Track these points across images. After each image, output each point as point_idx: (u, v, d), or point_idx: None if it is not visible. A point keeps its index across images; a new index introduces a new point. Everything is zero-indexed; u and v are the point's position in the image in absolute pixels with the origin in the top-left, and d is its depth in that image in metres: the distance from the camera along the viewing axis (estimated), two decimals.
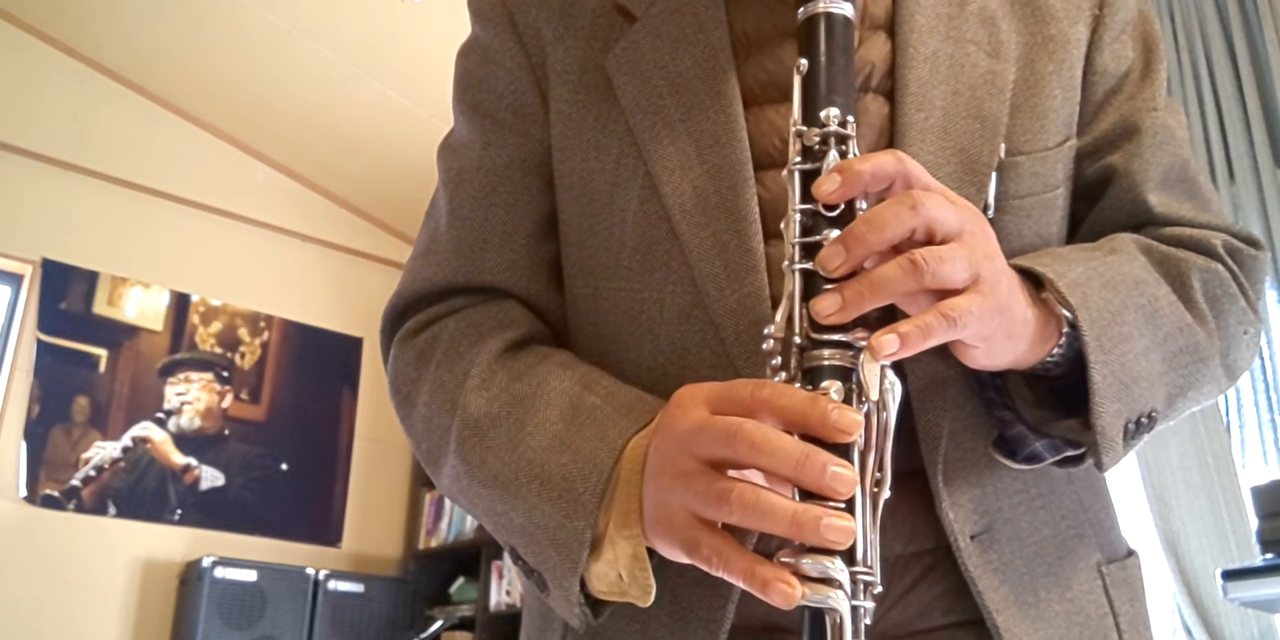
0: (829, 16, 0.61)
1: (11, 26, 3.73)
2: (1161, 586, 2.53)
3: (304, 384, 4.24)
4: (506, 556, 3.66)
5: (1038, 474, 0.71)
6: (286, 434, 4.15)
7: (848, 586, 0.51)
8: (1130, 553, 0.77)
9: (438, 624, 3.82)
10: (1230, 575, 1.95)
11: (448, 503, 4.15)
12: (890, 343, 0.54)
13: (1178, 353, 0.70)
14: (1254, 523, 2.08)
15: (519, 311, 0.78)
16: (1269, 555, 1.95)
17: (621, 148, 0.74)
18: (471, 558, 4.00)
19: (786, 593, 0.51)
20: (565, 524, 0.62)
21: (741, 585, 0.53)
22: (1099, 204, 0.78)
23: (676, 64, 0.74)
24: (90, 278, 3.79)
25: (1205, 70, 2.69)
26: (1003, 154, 0.72)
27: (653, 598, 0.61)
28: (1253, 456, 2.45)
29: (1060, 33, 0.77)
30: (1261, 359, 2.46)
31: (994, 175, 0.71)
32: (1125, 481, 2.63)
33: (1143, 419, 0.67)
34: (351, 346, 4.38)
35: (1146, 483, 2.56)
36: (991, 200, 0.70)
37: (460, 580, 4.12)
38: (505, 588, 3.81)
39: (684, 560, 0.58)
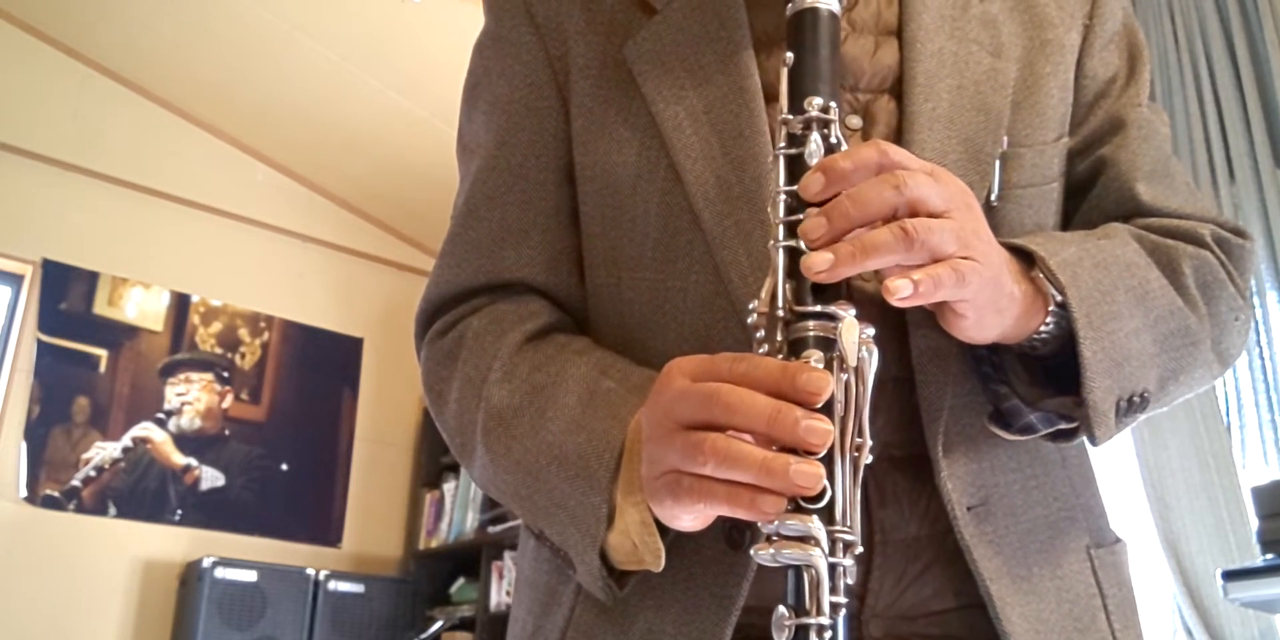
0: (814, 11, 0.65)
1: (12, 27, 3.73)
2: (1161, 586, 2.53)
3: (304, 384, 4.24)
4: (507, 557, 3.63)
5: (1032, 456, 0.74)
6: (286, 434, 4.15)
7: (825, 545, 0.54)
8: (1118, 540, 0.79)
9: (438, 624, 3.83)
10: (1230, 576, 1.94)
11: (448, 503, 4.16)
12: (904, 286, 0.57)
13: (1169, 335, 0.72)
14: (1254, 523, 2.08)
15: (539, 304, 0.80)
16: (1269, 555, 1.94)
17: (644, 140, 0.76)
18: (472, 558, 4.00)
19: (773, 502, 0.53)
20: (583, 501, 0.65)
21: (725, 506, 0.55)
22: (1090, 194, 0.82)
23: (699, 58, 0.77)
24: (90, 278, 3.78)
25: (1205, 70, 2.68)
26: (1005, 145, 0.75)
27: (663, 562, 0.64)
28: (1253, 456, 2.44)
29: (1056, 38, 0.81)
30: (1262, 359, 2.46)
31: (997, 164, 0.74)
32: (1125, 481, 2.63)
33: (1134, 398, 0.69)
34: (351, 347, 4.38)
35: (1146, 483, 2.55)
36: (995, 188, 0.73)
37: (460, 580, 4.12)
38: (505, 588, 3.81)
39: (684, 523, 0.60)
